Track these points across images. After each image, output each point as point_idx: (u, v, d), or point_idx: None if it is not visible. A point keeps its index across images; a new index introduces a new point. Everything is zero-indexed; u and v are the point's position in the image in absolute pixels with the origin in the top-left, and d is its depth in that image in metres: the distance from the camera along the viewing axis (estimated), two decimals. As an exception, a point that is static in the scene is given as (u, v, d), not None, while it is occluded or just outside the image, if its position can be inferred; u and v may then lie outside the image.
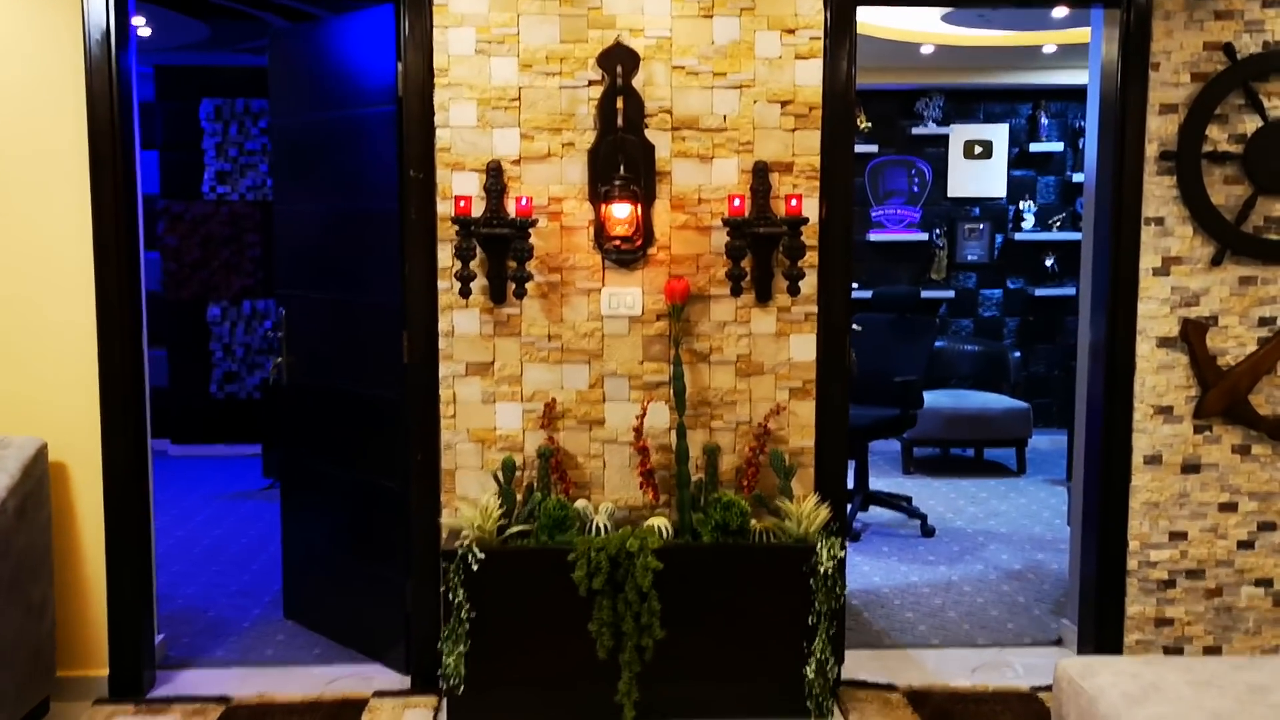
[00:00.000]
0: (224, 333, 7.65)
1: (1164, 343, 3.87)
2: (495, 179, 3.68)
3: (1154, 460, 3.91)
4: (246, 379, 7.68)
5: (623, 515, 3.81)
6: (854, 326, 4.00)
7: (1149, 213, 3.83)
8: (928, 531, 5.85)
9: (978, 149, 7.95)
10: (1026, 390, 7.88)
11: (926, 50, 6.82)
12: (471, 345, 3.78)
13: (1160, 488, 3.92)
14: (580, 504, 3.74)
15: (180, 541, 5.70)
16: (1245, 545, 3.95)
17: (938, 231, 8.00)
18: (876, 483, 6.64)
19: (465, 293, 3.64)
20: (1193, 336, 3.84)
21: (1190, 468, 3.92)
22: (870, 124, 7.83)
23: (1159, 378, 3.88)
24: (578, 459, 3.83)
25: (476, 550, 3.52)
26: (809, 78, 3.72)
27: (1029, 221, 7.96)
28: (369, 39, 3.87)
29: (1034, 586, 5.02)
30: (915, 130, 7.92)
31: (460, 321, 3.77)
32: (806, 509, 3.67)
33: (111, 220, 3.68)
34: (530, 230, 3.64)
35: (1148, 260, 3.84)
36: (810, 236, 3.74)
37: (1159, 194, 3.82)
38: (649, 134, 3.71)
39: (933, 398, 7.02)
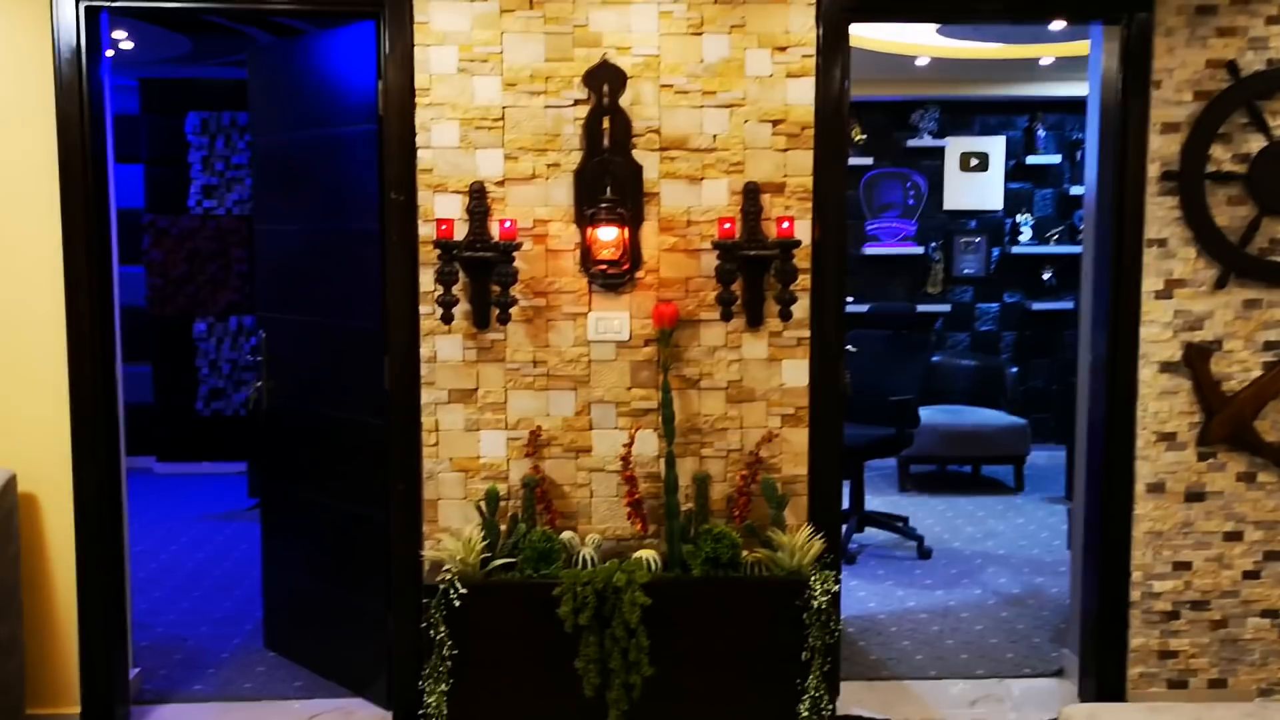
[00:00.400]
0: (210, 349, 7.54)
1: (1166, 367, 3.77)
2: (478, 201, 3.57)
3: (1157, 488, 3.80)
4: (233, 396, 7.57)
5: (610, 546, 3.70)
6: (848, 348, 3.89)
7: (1151, 234, 3.73)
8: (924, 553, 5.74)
9: (973, 161, 7.86)
10: (1024, 405, 7.78)
11: (921, 62, 6.73)
12: (454, 371, 3.67)
13: (1163, 516, 3.81)
14: (566, 535, 3.63)
15: (164, 565, 5.58)
16: (1251, 575, 3.84)
17: (933, 245, 7.90)
18: (872, 501, 6.54)
19: (447, 318, 3.53)
20: (1196, 361, 3.74)
21: (1194, 496, 3.81)
22: (864, 136, 7.73)
23: (1161, 403, 3.78)
24: (564, 488, 3.72)
25: (458, 585, 3.40)
26: (801, 96, 3.62)
27: (1026, 234, 7.87)
28: (349, 56, 3.77)
29: (1033, 613, 4.91)
30: (910, 142, 7.82)
31: (443, 347, 3.66)
32: (800, 541, 3.56)
33: (82, 239, 3.57)
34: (514, 254, 3.54)
35: (1150, 283, 3.74)
36: (803, 259, 3.64)
37: (1161, 215, 3.72)
38: (636, 154, 3.61)
39: (929, 414, 6.92)
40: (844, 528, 5.64)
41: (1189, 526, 3.82)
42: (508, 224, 3.53)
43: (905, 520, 6.04)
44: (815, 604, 3.44)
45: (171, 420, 7.58)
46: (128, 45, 6.01)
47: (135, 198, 7.44)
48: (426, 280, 3.61)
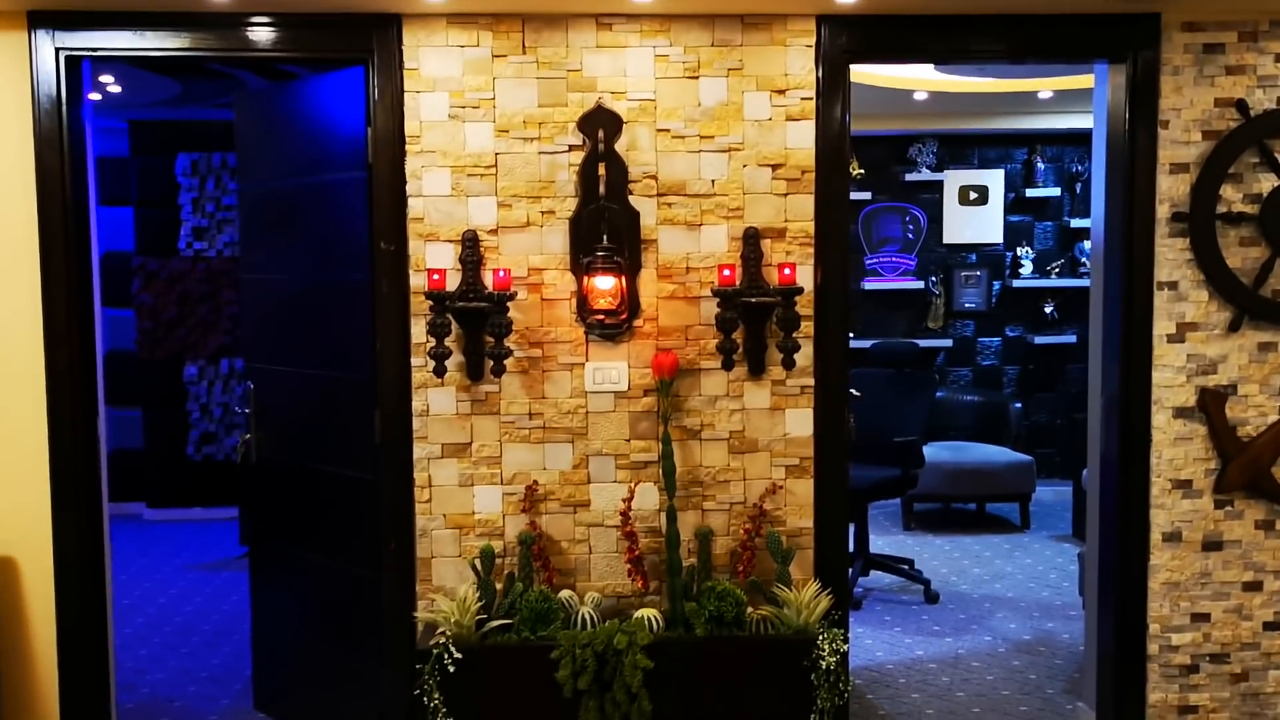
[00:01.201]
0: (201, 392, 7.42)
1: (1181, 413, 3.66)
2: (471, 250, 3.47)
3: (1173, 538, 3.69)
4: (225, 440, 7.44)
5: (610, 605, 3.58)
6: (852, 392, 3.78)
7: (1161, 276, 3.63)
8: (932, 598, 5.61)
9: (973, 195, 7.78)
10: (1029, 441, 7.66)
11: (920, 97, 6.66)
12: (447, 425, 3.56)
13: (1180, 566, 3.70)
14: (565, 594, 3.51)
15: (151, 620, 5.44)
16: (1272, 627, 3.72)
17: (934, 279, 7.82)
18: (876, 541, 6.41)
19: (440, 370, 3.43)
20: (1211, 406, 3.64)
21: (1211, 545, 3.70)
22: (863, 171, 7.66)
23: (1176, 450, 3.67)
24: (561, 544, 3.60)
25: (453, 649, 3.28)
26: (801, 139, 3.53)
27: (1027, 268, 7.78)
28: (338, 102, 3.68)
29: (1046, 661, 4.78)
30: (909, 176, 7.75)
31: (435, 400, 3.55)
32: (806, 597, 3.44)
33: (62, 288, 3.47)
34: (509, 304, 3.44)
35: (1161, 326, 3.64)
36: (805, 306, 3.54)
37: (1172, 257, 3.62)
38: (633, 200, 3.52)
39: (933, 451, 6.80)
40: (849, 571, 5.51)
41: (1207, 577, 3.70)
42: (501, 273, 3.43)
43: (911, 563, 5.92)
44: (824, 664, 3.31)
45: (162, 465, 7.45)
46: (116, 89, 5.93)
47: (125, 240, 7.35)
48: (418, 331, 3.51)
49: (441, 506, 3.57)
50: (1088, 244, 7.57)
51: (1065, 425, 7.85)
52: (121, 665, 4.61)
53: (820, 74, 3.51)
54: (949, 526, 7.12)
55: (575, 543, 3.60)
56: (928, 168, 7.74)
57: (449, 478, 3.57)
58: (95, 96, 6.14)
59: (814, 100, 3.52)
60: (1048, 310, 7.85)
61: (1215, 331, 3.65)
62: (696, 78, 3.50)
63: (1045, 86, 6.42)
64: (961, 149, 7.80)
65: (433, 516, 3.57)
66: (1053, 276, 7.78)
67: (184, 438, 7.44)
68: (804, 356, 3.56)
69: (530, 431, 3.57)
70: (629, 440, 3.58)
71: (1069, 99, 6.74)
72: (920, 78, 6.28)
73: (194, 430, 7.44)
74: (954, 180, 7.77)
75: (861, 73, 5.94)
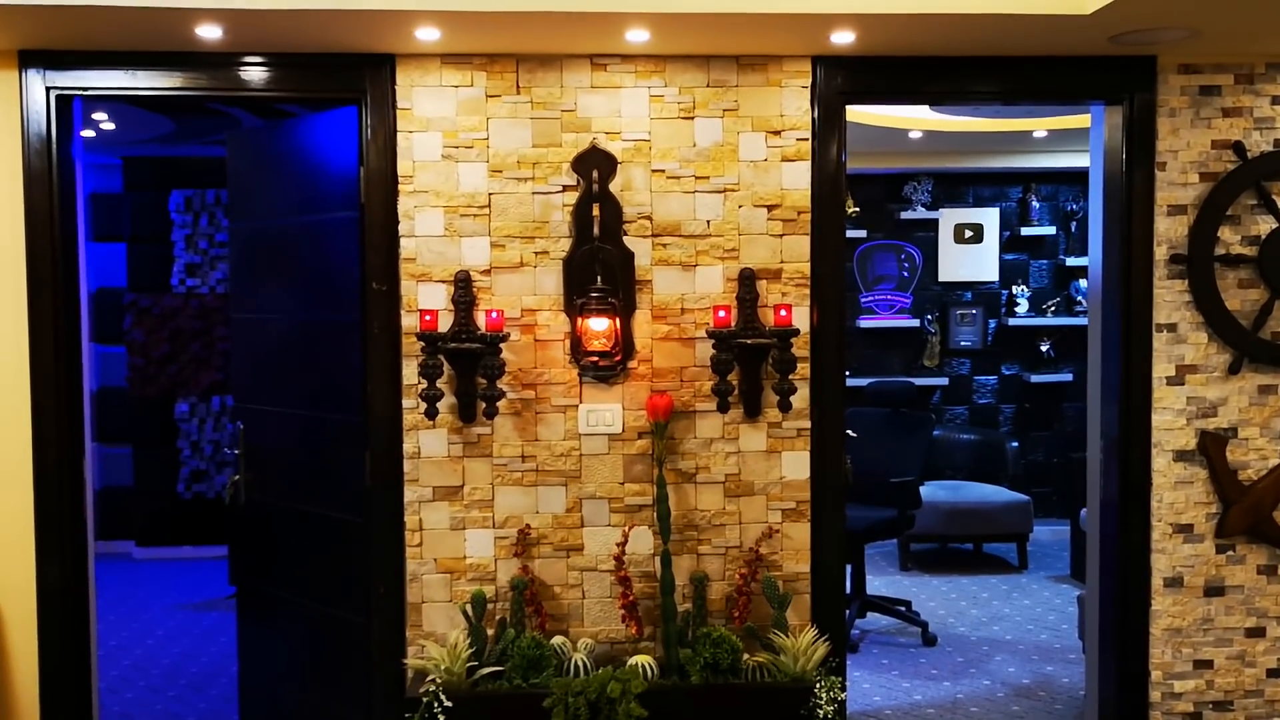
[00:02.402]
0: (193, 429, 7.36)
1: (1181, 456, 3.63)
2: (464, 291, 3.44)
3: (1174, 583, 3.64)
4: (215, 478, 7.37)
5: (604, 651, 3.52)
6: (849, 433, 3.74)
7: (1160, 319, 3.60)
8: (929, 640, 5.54)
9: (968, 233, 7.78)
10: (1025, 480, 7.61)
11: (914, 136, 6.67)
12: (439, 468, 3.51)
13: (1182, 612, 3.65)
14: (557, 640, 3.44)
15: (138, 661, 5.35)
16: (1276, 674, 3.67)
17: (929, 317, 7.79)
18: (873, 581, 6.34)
19: (432, 413, 3.38)
20: (1212, 449, 3.60)
21: (1214, 590, 3.65)
22: (857, 209, 7.65)
23: (1177, 494, 3.63)
24: (554, 589, 3.54)
25: (443, 697, 3.21)
26: (797, 180, 3.51)
27: (1023, 306, 7.76)
28: (330, 141, 3.65)
29: (1045, 706, 4.70)
30: (904, 214, 7.75)
31: (427, 442, 3.50)
32: (803, 644, 3.38)
33: (49, 326, 3.43)
34: (501, 345, 3.40)
35: (1160, 369, 3.61)
36: (801, 347, 3.51)
37: (1170, 299, 3.60)
38: (628, 241, 3.49)
39: (929, 491, 6.74)
40: (846, 613, 5.44)
41: (1209, 622, 3.65)
42: (494, 314, 3.40)
43: (908, 605, 5.85)
44: (821, 713, 3.25)
45: (151, 503, 7.37)
46: (109, 126, 5.92)
47: (118, 276, 7.31)
48: (410, 373, 3.47)
49: (432, 550, 3.52)
50: (1083, 282, 7.56)
51: (1062, 464, 7.80)
52: (108, 709, 4.53)
53: (816, 115, 3.50)
54: (946, 567, 7.06)
55: (568, 588, 3.54)
56: (923, 205, 7.74)
57: (440, 521, 3.52)
58: (89, 133, 6.13)
59: (809, 141, 3.51)
60: (1044, 348, 7.82)
61: (1215, 374, 3.62)
62: (692, 118, 3.49)
63: (1040, 126, 6.43)
64: (957, 187, 7.81)
65: (423, 560, 3.52)
66: (1048, 315, 7.76)
67: (174, 475, 7.37)
68: (800, 399, 3.52)
69: (523, 474, 3.52)
70: (623, 483, 3.54)
71: (1064, 138, 6.76)
72: (915, 117, 6.29)
73: (184, 468, 7.37)
74: (949, 218, 7.76)
75: (856, 112, 5.94)
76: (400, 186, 3.45)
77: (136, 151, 7.06)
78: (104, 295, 7.28)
